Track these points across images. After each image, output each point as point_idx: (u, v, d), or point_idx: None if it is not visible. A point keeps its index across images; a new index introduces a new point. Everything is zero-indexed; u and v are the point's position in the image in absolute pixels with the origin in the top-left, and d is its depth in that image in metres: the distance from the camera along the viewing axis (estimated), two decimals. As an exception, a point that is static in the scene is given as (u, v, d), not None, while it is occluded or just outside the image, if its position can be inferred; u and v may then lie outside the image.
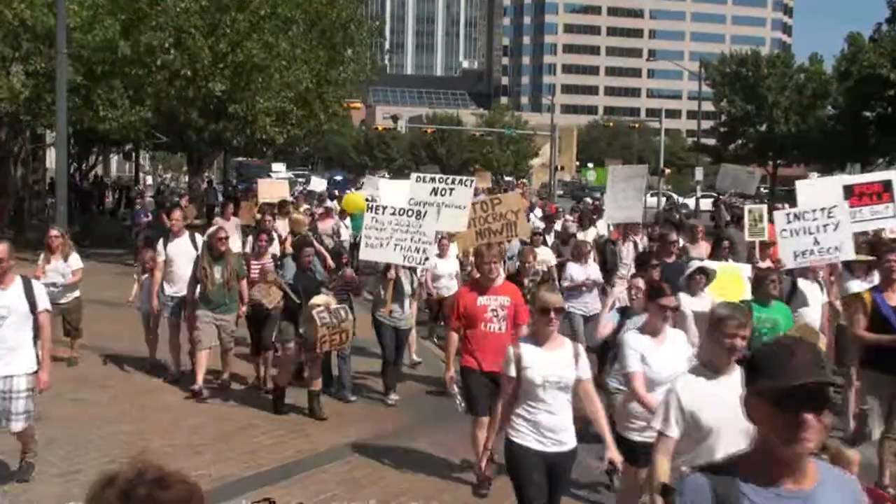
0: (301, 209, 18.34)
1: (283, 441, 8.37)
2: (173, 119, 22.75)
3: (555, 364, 5.38)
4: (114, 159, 59.09)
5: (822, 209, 9.72)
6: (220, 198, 32.40)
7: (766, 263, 11.12)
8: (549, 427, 5.37)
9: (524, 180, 54.90)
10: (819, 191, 11.60)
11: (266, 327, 10.18)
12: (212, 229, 10.77)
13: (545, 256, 12.62)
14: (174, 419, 8.94)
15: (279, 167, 59.87)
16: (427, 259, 9.92)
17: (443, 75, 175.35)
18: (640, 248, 12.35)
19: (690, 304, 7.74)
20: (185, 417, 9.03)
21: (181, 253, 10.50)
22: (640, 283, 7.33)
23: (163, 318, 10.76)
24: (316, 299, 8.87)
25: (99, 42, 20.17)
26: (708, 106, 64.27)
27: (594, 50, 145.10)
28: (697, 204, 45.43)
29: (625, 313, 7.32)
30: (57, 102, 19.80)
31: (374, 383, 10.51)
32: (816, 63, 57.49)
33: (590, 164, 79.16)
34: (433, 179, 11.10)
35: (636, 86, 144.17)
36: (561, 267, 12.76)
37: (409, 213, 9.74)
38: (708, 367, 4.54)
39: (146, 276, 10.92)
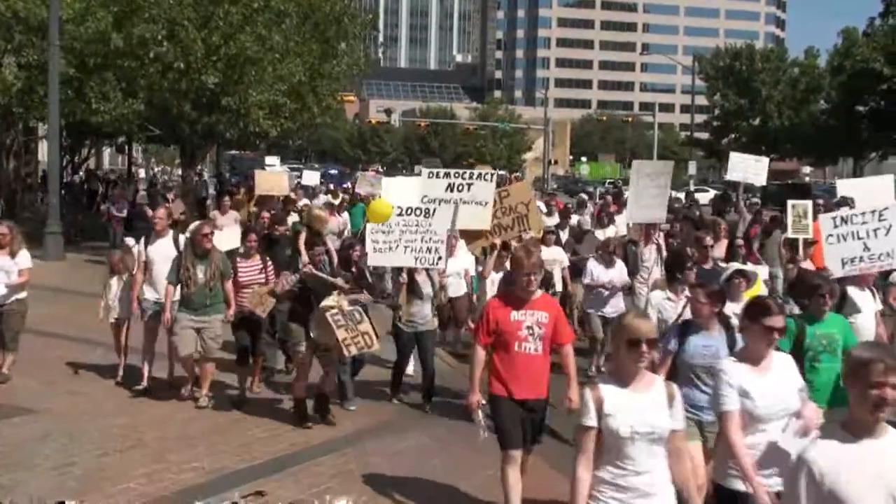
0: (300, 203, 18.06)
1: (277, 434, 8.36)
2: (166, 112, 22.66)
3: (645, 410, 4.27)
4: (106, 152, 58.91)
5: (873, 211, 8.95)
6: (211, 191, 32.25)
7: (808, 264, 10.73)
8: (640, 491, 4.25)
9: (517, 174, 54.91)
10: (864, 190, 10.87)
11: (257, 334, 9.52)
12: (195, 225, 9.99)
13: (557, 256, 11.93)
14: (168, 412, 8.93)
15: (273, 160, 59.58)
16: (440, 258, 9.24)
17: (436, 69, 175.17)
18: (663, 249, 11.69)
19: (730, 310, 6.91)
20: (179, 410, 9.02)
21: (162, 255, 9.60)
22: (701, 294, 6.36)
23: (139, 323, 9.95)
24: (327, 301, 8.31)
25: (91, 34, 20.11)
26: (701, 100, 64.36)
27: (588, 44, 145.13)
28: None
29: (686, 329, 6.35)
30: (49, 95, 19.82)
31: (376, 384, 10.32)
32: (812, 57, 57.58)
33: (583, 159, 79.26)
34: (448, 175, 10.23)
35: (630, 80, 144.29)
36: (576, 265, 12.21)
37: (418, 211, 9.18)
38: (848, 427, 3.55)
39: (116, 277, 10.02)
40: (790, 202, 12.56)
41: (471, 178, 10.09)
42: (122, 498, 6.66)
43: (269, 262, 9.65)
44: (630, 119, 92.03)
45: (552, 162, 55.82)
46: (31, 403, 8.92)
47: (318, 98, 25.63)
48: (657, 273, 10.99)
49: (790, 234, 11.96)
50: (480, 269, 11.05)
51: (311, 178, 27.24)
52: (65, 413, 8.69)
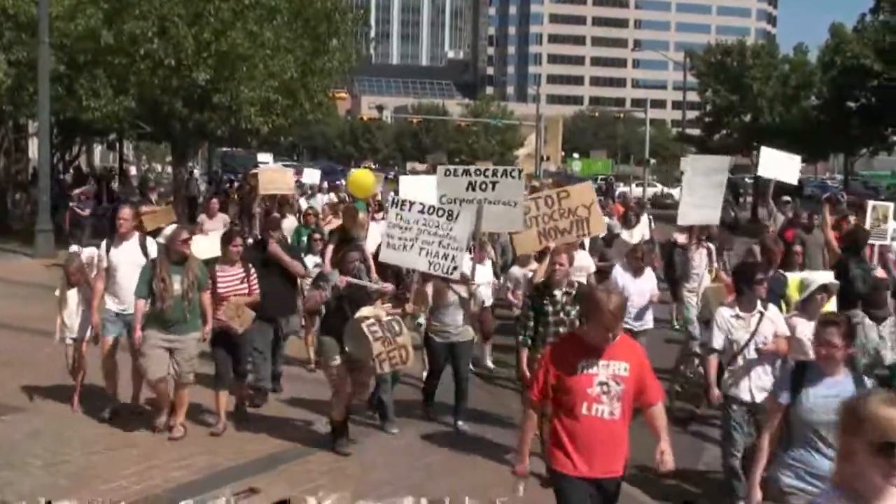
0: (304, 205, 17.74)
1: (269, 431, 8.33)
2: (157, 109, 22.61)
3: None
4: (97, 149, 58.68)
5: None
6: (202, 188, 32.11)
7: (881, 272, 10.27)
8: None
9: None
10: None
11: (238, 351, 8.53)
12: (171, 229, 8.98)
13: (583, 262, 10.56)
14: (159, 410, 8.89)
15: (266, 157, 59.36)
16: (456, 269, 8.20)
17: (428, 65, 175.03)
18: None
19: (808, 329, 6.20)
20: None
21: (127, 260, 8.51)
22: (836, 335, 4.97)
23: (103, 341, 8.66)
24: (364, 311, 7.52)
25: (81, 31, 20.04)
26: (693, 96, 64.32)
27: (579, 40, 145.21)
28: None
29: (800, 375, 5.03)
30: (39, 92, 19.74)
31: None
32: (801, 54, 57.68)
33: (575, 155, 79.32)
34: (467, 172, 9.07)
35: (621, 76, 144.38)
36: (602, 273, 10.96)
37: (440, 212, 8.28)
38: None
39: (75, 290, 8.75)
40: (871, 203, 11.75)
41: (494, 175, 9.00)
42: (113, 496, 6.63)
43: (252, 271, 8.58)
44: (622, 115, 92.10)
45: (544, 158, 55.69)
46: (21, 402, 8.89)
47: (310, 94, 25.59)
48: (707, 280, 10.62)
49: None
50: (523, 280, 10.19)
51: (312, 176, 26.72)
52: (55, 411, 8.67)
